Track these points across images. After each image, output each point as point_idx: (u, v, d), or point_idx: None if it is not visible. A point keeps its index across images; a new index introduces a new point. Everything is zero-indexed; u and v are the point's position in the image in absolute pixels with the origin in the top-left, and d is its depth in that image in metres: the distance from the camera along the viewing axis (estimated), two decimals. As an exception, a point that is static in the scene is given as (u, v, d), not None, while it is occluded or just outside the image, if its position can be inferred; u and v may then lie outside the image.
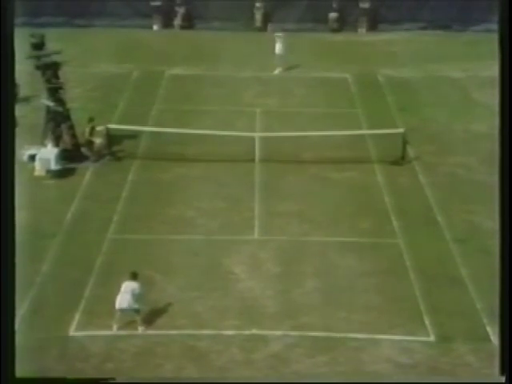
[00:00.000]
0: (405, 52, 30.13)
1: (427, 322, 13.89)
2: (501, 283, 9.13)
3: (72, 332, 13.56)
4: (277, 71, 27.54)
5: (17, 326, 13.37)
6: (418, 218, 17.71)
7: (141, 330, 13.54)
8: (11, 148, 9.18)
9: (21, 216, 16.92)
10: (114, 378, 9.85)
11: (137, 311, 13.53)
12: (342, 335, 13.49)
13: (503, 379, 8.98)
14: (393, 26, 32.94)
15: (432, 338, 13.48)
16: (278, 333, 13.53)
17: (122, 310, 13.45)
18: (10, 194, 9.03)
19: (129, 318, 13.61)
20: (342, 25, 33.33)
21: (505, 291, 9.05)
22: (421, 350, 13.15)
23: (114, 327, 13.55)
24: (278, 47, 27.55)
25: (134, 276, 13.60)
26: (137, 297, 13.42)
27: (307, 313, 14.11)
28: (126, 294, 13.38)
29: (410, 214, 17.81)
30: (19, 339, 13.02)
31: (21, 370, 12.05)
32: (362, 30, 33.36)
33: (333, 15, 33.15)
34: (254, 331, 13.58)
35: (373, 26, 33.32)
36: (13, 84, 9.32)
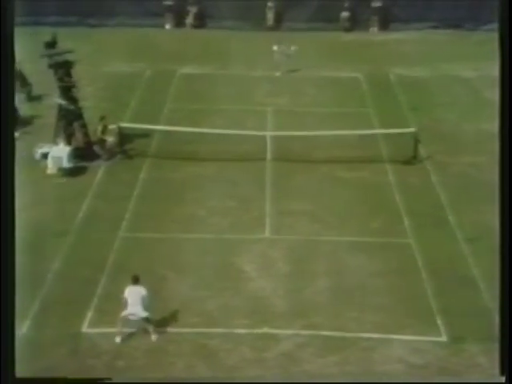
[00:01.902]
0: (416, 51, 30.07)
1: (439, 322, 13.86)
2: (501, 283, 9.11)
3: (84, 329, 13.62)
4: (278, 73, 27.36)
5: (29, 323, 13.58)
6: (429, 217, 17.67)
7: (154, 337, 13.30)
8: (11, 147, 9.16)
9: (32, 214, 17.30)
10: (110, 378, 9.86)
11: (147, 320, 13.31)
12: (353, 335, 13.49)
13: (503, 379, 8.95)
14: (404, 25, 32.90)
15: (444, 338, 13.45)
16: (289, 332, 13.54)
17: (135, 321, 13.25)
18: (9, 195, 9.02)
19: (137, 326, 13.52)
20: (354, 24, 33.30)
21: (505, 291, 9.03)
22: (432, 350, 13.13)
23: (118, 339, 13.25)
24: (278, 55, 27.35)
25: (136, 280, 13.32)
26: (146, 302, 13.18)
27: (318, 312, 14.11)
28: (135, 306, 13.11)
29: (421, 214, 17.77)
30: (31, 336, 13.25)
31: (32, 366, 12.23)
32: (374, 30, 33.32)
33: (344, 14, 33.13)
34: (265, 330, 13.60)
35: (384, 25, 33.27)
36: (12, 84, 9.33)
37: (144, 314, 13.24)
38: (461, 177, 19.65)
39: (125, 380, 11.66)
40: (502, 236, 9.08)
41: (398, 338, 13.43)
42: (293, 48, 27.25)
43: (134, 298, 13.18)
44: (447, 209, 17.94)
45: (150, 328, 13.38)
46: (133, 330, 13.44)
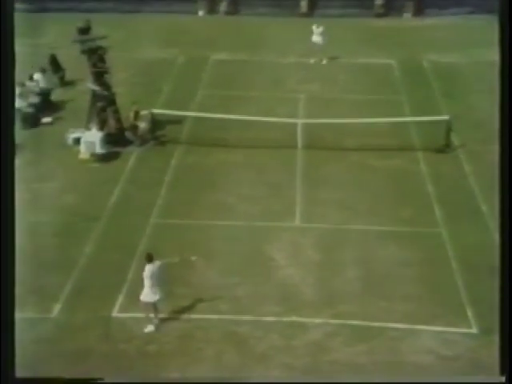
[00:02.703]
0: (451, 37, 29.60)
1: (469, 313, 13.75)
2: (501, 283, 8.97)
3: (115, 313, 13.80)
4: (312, 61, 27.18)
5: (61, 306, 13.79)
6: (461, 207, 17.48)
7: (150, 327, 13.23)
8: (11, 144, 9.20)
9: (66, 198, 17.54)
10: (102, 378, 9.92)
11: (155, 305, 13.27)
12: (382, 325, 13.45)
13: (503, 379, 8.85)
14: (440, 10, 32.39)
15: (474, 330, 13.34)
16: (318, 320, 13.55)
17: (148, 303, 13.28)
18: (10, 194, 9.07)
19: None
20: (388, 10, 32.89)
21: (505, 291, 8.90)
22: (462, 341, 13.03)
23: (151, 326, 13.36)
24: (318, 37, 27.12)
25: (149, 258, 13.17)
26: (157, 277, 13.08)
27: (347, 301, 14.09)
28: (149, 288, 13.09)
29: (453, 203, 17.59)
30: (63, 319, 13.47)
31: (63, 349, 12.43)
32: (408, 15, 32.88)
33: (379, 0, 32.73)
34: (294, 318, 13.63)
35: (419, 11, 32.80)
36: (13, 77, 9.37)
37: (153, 299, 13.21)
38: (494, 166, 19.25)
39: (124, 380, 11.74)
40: (502, 235, 8.91)
41: (427, 328, 13.36)
42: (321, 28, 27.05)
43: (147, 276, 13.11)
44: (479, 198, 17.71)
45: (154, 315, 13.35)
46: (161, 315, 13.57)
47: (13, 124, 9.26)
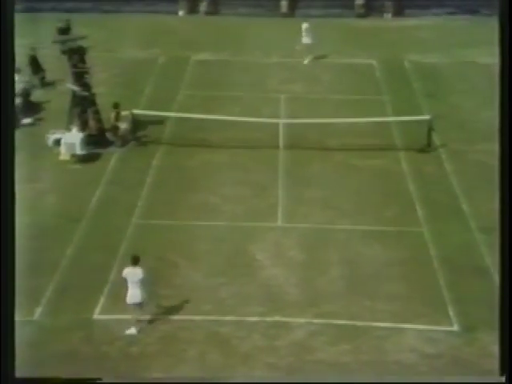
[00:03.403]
0: (432, 37, 29.76)
1: (451, 311, 13.81)
2: (501, 283, 9.01)
3: (96, 315, 13.69)
4: (306, 61, 27.21)
5: (42, 309, 13.66)
6: (443, 206, 17.57)
7: (133, 330, 13.12)
8: (11, 143, 9.12)
9: (46, 200, 17.38)
10: (100, 378, 9.89)
11: (139, 306, 13.15)
12: (366, 324, 13.46)
13: (503, 379, 8.90)
14: (421, 11, 32.53)
15: (456, 328, 13.40)
16: (302, 320, 13.54)
17: (134, 305, 13.19)
18: (10, 193, 8.99)
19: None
20: (369, 10, 33.01)
21: (504, 291, 8.94)
22: (445, 339, 13.09)
23: (133, 328, 13.25)
24: (308, 36, 27.19)
25: (135, 261, 13.12)
26: (144, 283, 13.02)
27: (331, 301, 14.10)
28: (135, 290, 13.00)
29: (435, 203, 17.67)
30: (44, 321, 13.33)
31: (46, 352, 12.31)
32: (388, 16, 33.02)
33: (359, 0, 32.84)
34: (278, 318, 13.60)
35: (398, 12, 32.93)
36: (13, 76, 9.29)
37: (138, 300, 13.09)
38: (476, 165, 19.49)
39: (124, 380, 11.68)
40: (501, 235, 8.96)
41: (410, 327, 13.40)
42: (305, 25, 27.17)
43: (132, 280, 13.07)
44: (461, 198, 17.82)
45: (137, 317, 13.22)
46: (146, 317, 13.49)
47: (13, 125, 9.20)
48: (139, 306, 13.24)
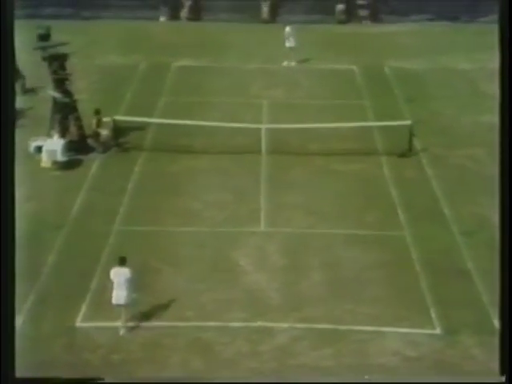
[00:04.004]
0: (412, 43, 30.01)
1: (433, 314, 13.87)
2: (501, 283, 9.08)
3: (78, 323, 13.59)
4: (285, 63, 27.39)
5: (23, 317, 13.53)
6: (424, 210, 17.66)
7: (122, 331, 13.19)
8: (11, 143, 9.11)
9: (27, 207, 17.23)
10: (102, 378, 9.87)
11: (126, 308, 13.17)
12: (348, 328, 13.48)
13: (503, 379, 8.95)
14: (401, 17, 32.81)
15: (438, 331, 13.46)
16: (285, 325, 13.54)
17: (120, 306, 13.22)
18: (9, 193, 8.97)
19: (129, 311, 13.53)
20: (349, 17, 33.21)
21: (504, 291, 9.01)
22: (427, 342, 13.14)
23: (121, 329, 13.29)
24: (290, 40, 27.37)
25: (122, 261, 13.22)
26: (130, 283, 13.06)
27: (313, 305, 14.11)
28: (121, 291, 13.04)
29: (416, 207, 17.76)
30: (26, 330, 13.21)
31: (26, 360, 12.18)
32: (367, 22, 33.22)
33: (340, 7, 33.04)
34: (261, 323, 13.59)
35: (375, 18, 33.14)
36: (12, 78, 9.25)
37: (125, 301, 13.10)
38: (456, 169, 19.65)
39: (124, 380, 11.64)
40: (502, 234, 9.03)
41: (392, 330, 13.44)
42: (288, 29, 27.42)
43: (119, 280, 13.09)
44: (442, 201, 17.93)
45: (124, 317, 13.22)
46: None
47: (13, 126, 9.16)
48: (124, 307, 13.20)
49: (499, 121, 9.43)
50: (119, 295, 13.13)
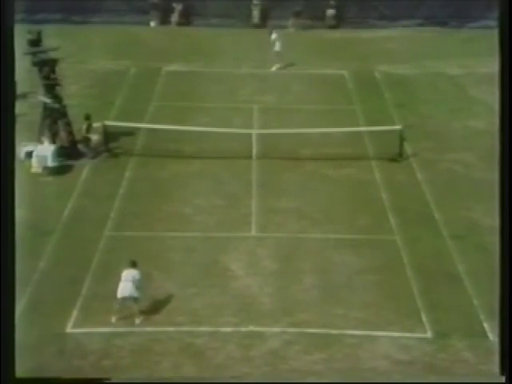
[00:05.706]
0: (402, 49, 30.12)
1: (424, 318, 13.90)
2: (501, 283, 9.10)
3: (69, 329, 13.54)
4: (274, 68, 27.52)
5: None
6: (415, 214, 17.71)
7: (138, 321, 13.61)
8: (11, 145, 9.10)
9: (18, 213, 16.94)
10: (108, 378, 9.85)
11: (136, 300, 13.56)
12: (340, 332, 13.50)
13: (503, 379, 8.97)
14: (390, 22, 32.95)
15: (429, 335, 13.48)
16: (276, 330, 13.53)
17: (124, 299, 13.48)
18: (10, 193, 8.96)
19: (127, 310, 13.62)
20: (340, 22, 33.30)
21: (504, 291, 9.02)
22: (418, 346, 13.16)
23: (113, 319, 13.56)
24: (277, 44, 27.51)
25: (133, 264, 13.74)
26: (137, 284, 13.50)
27: (305, 310, 14.11)
28: (127, 282, 13.47)
29: (407, 211, 17.81)
30: (16, 336, 13.10)
31: (18, 366, 12.10)
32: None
33: (330, 12, 33.13)
34: (252, 328, 13.57)
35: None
36: (13, 81, 9.23)
37: (135, 294, 13.46)
38: (447, 174, 19.72)
39: (124, 380, 11.60)
40: (501, 235, 9.05)
41: (384, 334, 13.46)
42: (274, 35, 27.53)
43: (128, 278, 13.52)
44: (433, 206, 17.99)
45: (136, 309, 13.58)
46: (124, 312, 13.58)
47: (13, 130, 9.14)
48: (128, 301, 13.46)
49: (499, 125, 9.45)
50: (126, 286, 13.44)
